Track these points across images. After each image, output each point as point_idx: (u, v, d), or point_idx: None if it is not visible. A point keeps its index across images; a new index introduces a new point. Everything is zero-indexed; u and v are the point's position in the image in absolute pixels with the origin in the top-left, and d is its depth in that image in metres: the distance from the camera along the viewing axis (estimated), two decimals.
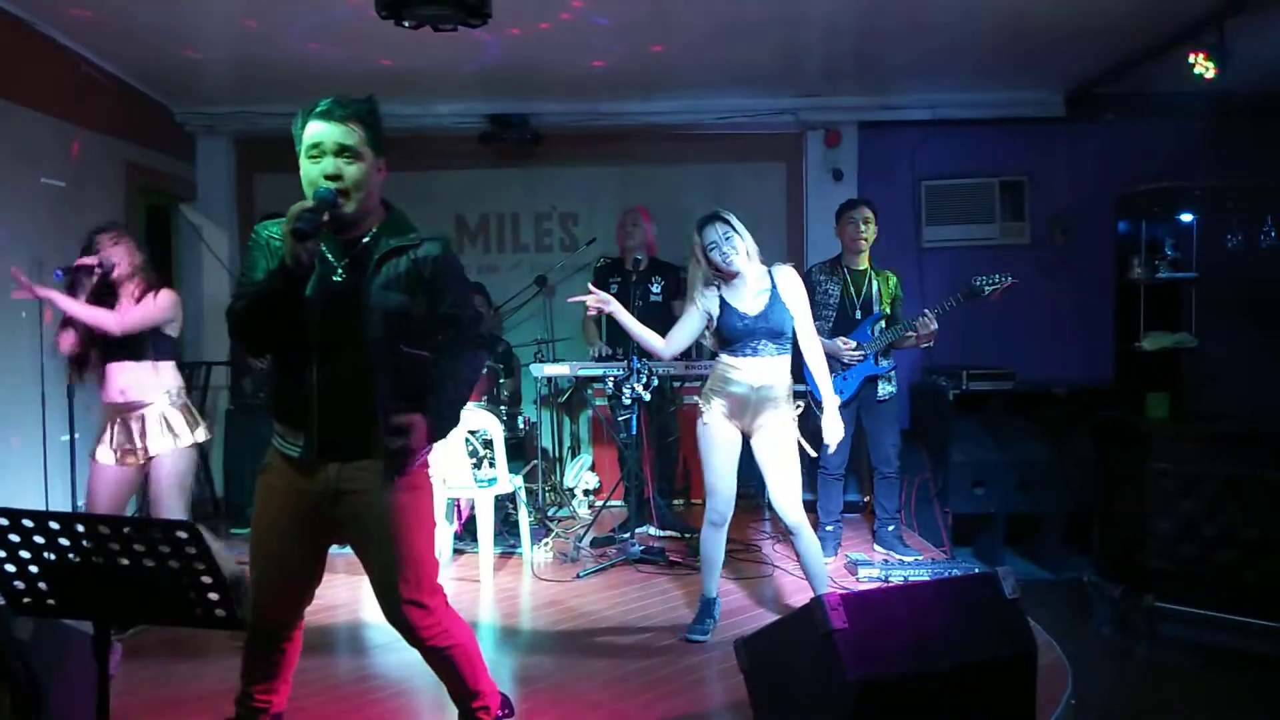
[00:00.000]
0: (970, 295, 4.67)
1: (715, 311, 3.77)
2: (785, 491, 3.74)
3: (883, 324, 4.81)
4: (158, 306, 3.78)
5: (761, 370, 3.73)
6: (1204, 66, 4.64)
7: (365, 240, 2.46)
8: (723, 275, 3.74)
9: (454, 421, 2.53)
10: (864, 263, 4.90)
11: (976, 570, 4.52)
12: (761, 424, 3.75)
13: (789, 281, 3.78)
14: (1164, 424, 4.63)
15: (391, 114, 6.40)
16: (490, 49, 5.08)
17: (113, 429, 3.81)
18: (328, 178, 2.34)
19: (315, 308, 2.39)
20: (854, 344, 4.74)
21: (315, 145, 2.35)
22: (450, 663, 2.62)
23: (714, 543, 3.89)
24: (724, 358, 3.81)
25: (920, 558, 4.86)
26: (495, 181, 6.76)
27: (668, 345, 3.83)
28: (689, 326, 3.82)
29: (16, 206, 4.59)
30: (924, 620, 2.58)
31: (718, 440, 3.79)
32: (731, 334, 3.75)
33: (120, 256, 3.76)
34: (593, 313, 3.79)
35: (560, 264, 6.54)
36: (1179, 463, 4.37)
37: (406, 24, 3.73)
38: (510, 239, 6.88)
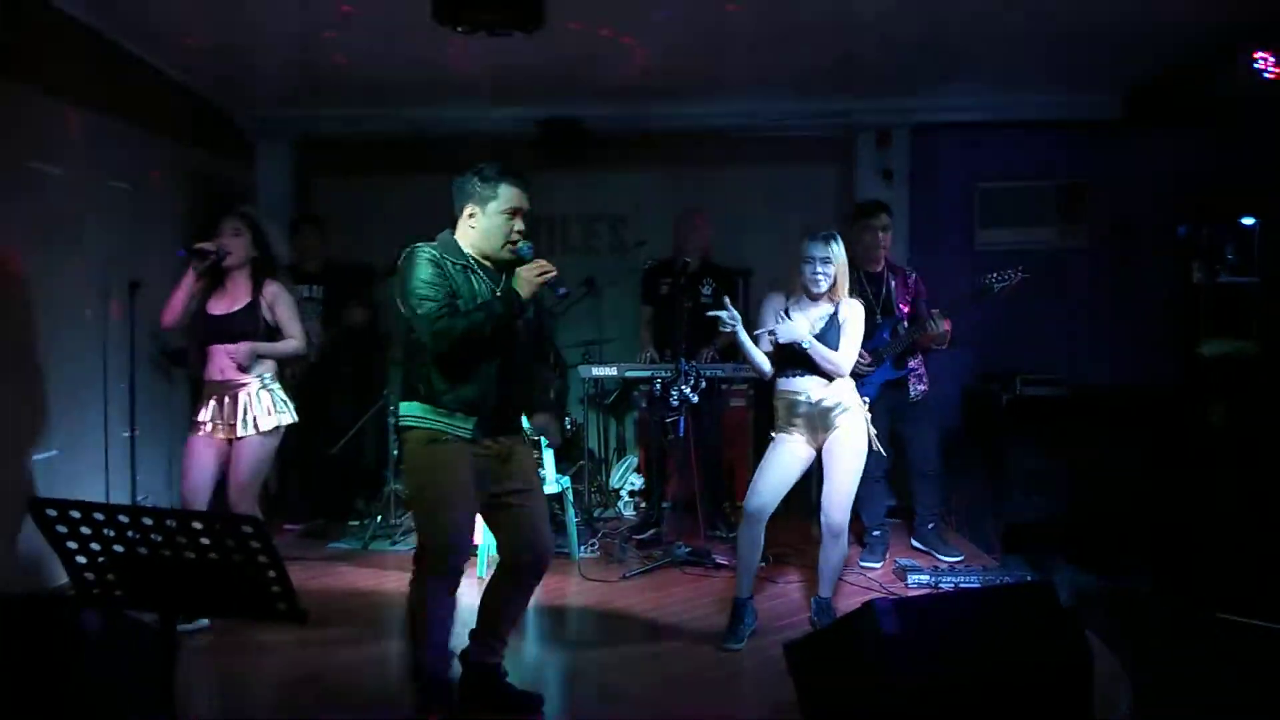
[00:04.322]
0: (983, 293, 4.63)
1: (777, 323, 3.80)
2: (839, 495, 3.82)
3: (900, 326, 4.75)
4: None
5: (819, 385, 3.79)
6: (1267, 66, 4.54)
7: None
8: (805, 290, 3.81)
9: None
10: (879, 265, 4.86)
11: (1029, 578, 4.47)
12: (834, 428, 3.81)
13: (851, 314, 3.81)
14: (1224, 431, 4.53)
15: (444, 117, 6.47)
16: (541, 54, 5.11)
17: (213, 404, 3.96)
18: (519, 233, 3.08)
19: None
20: (868, 356, 4.61)
21: (516, 208, 3.08)
22: (529, 594, 3.29)
23: (749, 538, 3.90)
24: (780, 385, 3.87)
25: (961, 558, 4.80)
26: (545, 184, 6.74)
27: (767, 364, 3.87)
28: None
29: (88, 208, 4.73)
30: (977, 627, 2.56)
31: (782, 455, 3.85)
32: (785, 350, 3.81)
33: (236, 247, 3.98)
34: (727, 329, 3.80)
35: (609, 266, 6.54)
36: (1239, 470, 4.28)
37: (461, 29, 3.78)
38: (559, 241, 6.90)
